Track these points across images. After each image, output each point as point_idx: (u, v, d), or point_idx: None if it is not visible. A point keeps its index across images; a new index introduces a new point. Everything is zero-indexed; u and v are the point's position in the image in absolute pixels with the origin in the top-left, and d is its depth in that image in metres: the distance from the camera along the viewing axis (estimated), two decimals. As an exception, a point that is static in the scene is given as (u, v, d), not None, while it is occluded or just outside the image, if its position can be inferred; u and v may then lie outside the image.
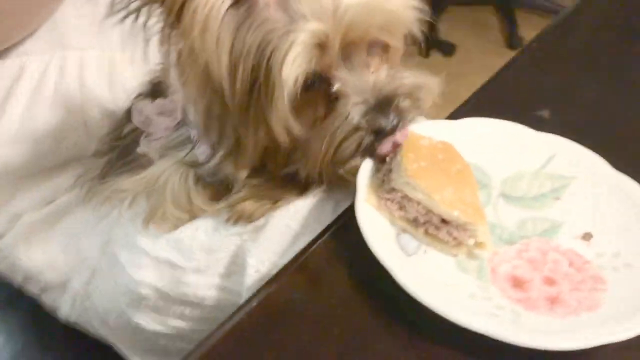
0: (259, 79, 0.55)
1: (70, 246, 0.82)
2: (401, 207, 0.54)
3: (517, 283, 0.53)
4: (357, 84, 0.58)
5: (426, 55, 2.76)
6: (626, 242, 0.54)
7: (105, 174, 0.79)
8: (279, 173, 0.63)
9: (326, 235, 0.56)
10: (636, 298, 0.50)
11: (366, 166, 0.58)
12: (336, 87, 0.58)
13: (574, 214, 0.58)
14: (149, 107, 0.77)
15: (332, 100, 0.58)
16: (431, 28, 2.71)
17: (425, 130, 0.60)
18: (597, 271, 0.53)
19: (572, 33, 0.90)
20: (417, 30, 0.63)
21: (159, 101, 0.77)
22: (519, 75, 0.80)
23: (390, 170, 0.55)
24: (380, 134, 0.58)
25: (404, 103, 0.59)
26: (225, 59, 0.56)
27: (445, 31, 2.80)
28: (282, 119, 0.56)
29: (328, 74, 0.57)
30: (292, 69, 0.53)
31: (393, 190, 0.54)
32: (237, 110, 0.58)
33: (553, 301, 0.51)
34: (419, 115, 0.60)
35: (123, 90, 0.86)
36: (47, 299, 0.89)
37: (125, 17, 0.56)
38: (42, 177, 0.86)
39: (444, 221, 0.53)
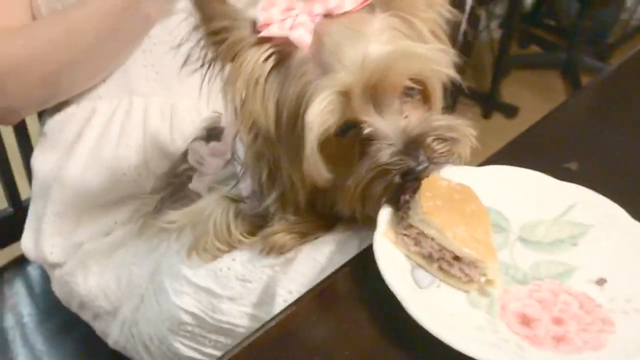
0: (298, 126, 0.60)
1: (123, 276, 0.89)
2: (417, 243, 0.57)
3: (525, 321, 0.54)
4: (386, 128, 0.61)
5: (488, 117, 2.79)
6: (639, 288, 0.56)
7: (158, 209, 0.86)
8: (327, 212, 0.67)
9: (347, 267, 0.60)
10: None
11: (388, 203, 0.61)
12: (366, 131, 0.61)
13: (590, 259, 0.59)
14: (203, 149, 0.84)
15: (365, 144, 0.62)
16: (493, 91, 2.75)
17: (449, 175, 0.62)
18: (607, 314, 0.55)
19: (609, 90, 0.92)
20: (451, 73, 0.65)
21: (212, 144, 0.84)
22: (552, 129, 0.82)
23: (409, 208, 0.58)
24: (408, 176, 0.60)
25: (436, 146, 0.61)
26: (271, 110, 0.62)
27: (508, 94, 2.83)
28: (312, 162, 0.60)
29: (359, 120, 0.61)
30: (316, 117, 0.58)
31: (410, 226, 0.57)
32: (285, 155, 0.63)
33: (559, 340, 0.52)
34: (454, 160, 0.62)
35: (182, 134, 0.94)
36: (99, 326, 0.95)
37: (200, 66, 0.62)
38: (103, 211, 0.94)
39: (456, 258, 0.55)
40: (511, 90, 2.88)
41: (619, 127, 0.83)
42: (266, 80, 0.61)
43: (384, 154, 0.60)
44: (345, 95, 0.59)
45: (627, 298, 0.55)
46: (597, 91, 0.93)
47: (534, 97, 2.87)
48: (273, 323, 0.53)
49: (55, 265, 0.97)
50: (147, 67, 0.93)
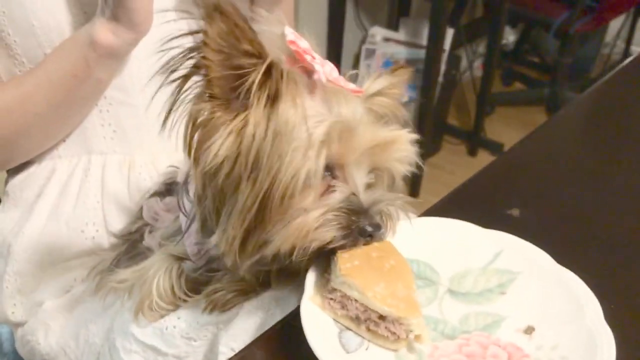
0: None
1: (81, 333, 0.89)
2: (343, 306, 0.57)
3: (455, 378, 0.54)
4: (357, 182, 0.61)
5: (473, 154, 2.81)
6: (565, 334, 0.56)
7: (114, 266, 0.87)
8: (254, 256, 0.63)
9: (278, 326, 0.60)
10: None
11: (314, 266, 0.61)
12: (336, 180, 0.61)
13: (518, 307, 0.60)
14: (158, 204, 0.85)
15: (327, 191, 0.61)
16: (477, 128, 2.76)
17: None
18: None
19: (559, 135, 0.93)
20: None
21: (168, 199, 0.85)
22: (497, 176, 0.83)
23: (330, 272, 0.58)
24: (361, 234, 0.59)
25: (382, 219, 0.61)
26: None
27: (494, 131, 2.85)
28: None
29: (340, 164, 0.61)
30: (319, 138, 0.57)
31: (334, 290, 0.57)
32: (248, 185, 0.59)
33: (489, 396, 0.52)
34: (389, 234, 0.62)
35: (139, 190, 0.95)
36: (62, 384, 0.95)
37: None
38: (63, 269, 0.94)
39: (381, 317, 0.55)
40: (496, 128, 2.91)
41: (562, 174, 0.83)
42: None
43: (349, 200, 0.60)
44: (344, 137, 0.58)
45: (553, 345, 0.56)
46: (541, 138, 0.94)
47: (519, 134, 2.88)
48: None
49: (17, 324, 0.97)
50: (104, 126, 0.95)
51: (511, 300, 0.61)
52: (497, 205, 0.75)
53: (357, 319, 0.56)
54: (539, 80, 3.26)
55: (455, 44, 2.62)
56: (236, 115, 0.58)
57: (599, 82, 1.12)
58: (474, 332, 0.58)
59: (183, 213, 0.75)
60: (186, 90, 0.59)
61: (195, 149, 0.60)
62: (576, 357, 0.54)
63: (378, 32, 2.63)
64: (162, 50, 0.58)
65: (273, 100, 0.57)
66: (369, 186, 0.64)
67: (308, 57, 0.60)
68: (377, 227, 0.60)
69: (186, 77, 0.59)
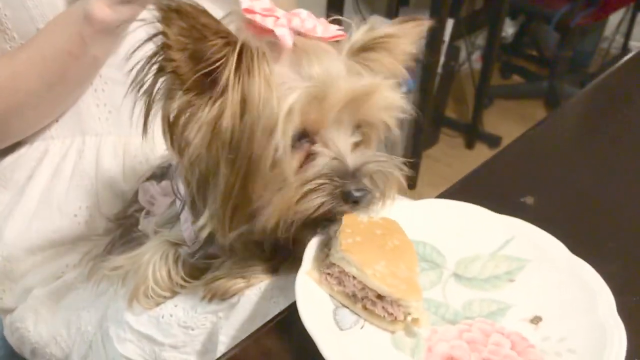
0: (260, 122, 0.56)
1: (72, 321, 0.86)
2: (340, 282, 0.54)
3: (453, 364, 0.51)
4: (340, 145, 0.59)
5: (471, 147, 2.78)
6: (574, 326, 0.53)
7: (108, 252, 0.83)
8: (242, 230, 0.62)
9: (285, 313, 0.57)
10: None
11: (315, 239, 0.59)
12: (317, 145, 0.59)
13: (526, 296, 0.57)
14: (154, 188, 0.82)
15: (309, 159, 0.59)
16: (475, 121, 2.74)
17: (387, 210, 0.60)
18: (539, 355, 0.52)
19: (568, 123, 0.91)
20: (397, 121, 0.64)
21: (164, 183, 0.81)
22: (510, 162, 0.81)
23: (331, 246, 0.56)
24: (345, 200, 0.58)
25: (374, 182, 0.60)
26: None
27: (492, 124, 2.83)
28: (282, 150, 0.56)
29: (316, 131, 0.59)
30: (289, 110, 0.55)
31: (332, 265, 0.55)
32: (229, 157, 0.58)
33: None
34: (382, 203, 0.61)
35: (134, 173, 0.91)
36: (53, 373, 0.91)
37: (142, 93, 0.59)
38: (54, 254, 0.91)
39: (379, 297, 0.53)
40: (494, 120, 2.88)
41: (577, 162, 0.81)
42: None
43: (331, 166, 0.58)
44: (316, 101, 0.56)
45: (561, 337, 0.53)
46: (555, 125, 0.92)
47: (517, 127, 2.86)
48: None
49: (6, 311, 0.93)
50: (99, 106, 0.91)
51: (519, 288, 0.58)
52: (511, 192, 0.73)
53: (353, 297, 0.54)
54: (537, 73, 3.23)
55: (455, 36, 2.58)
56: (213, 101, 0.57)
57: (609, 71, 1.09)
58: (477, 318, 0.56)
59: (177, 197, 0.72)
60: (158, 90, 0.58)
61: (176, 140, 0.59)
62: (585, 351, 0.51)
63: (377, 22, 2.59)
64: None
65: (246, 82, 0.56)
66: (356, 145, 0.62)
67: (270, 20, 0.58)
68: (365, 191, 0.58)
69: (155, 80, 0.58)
